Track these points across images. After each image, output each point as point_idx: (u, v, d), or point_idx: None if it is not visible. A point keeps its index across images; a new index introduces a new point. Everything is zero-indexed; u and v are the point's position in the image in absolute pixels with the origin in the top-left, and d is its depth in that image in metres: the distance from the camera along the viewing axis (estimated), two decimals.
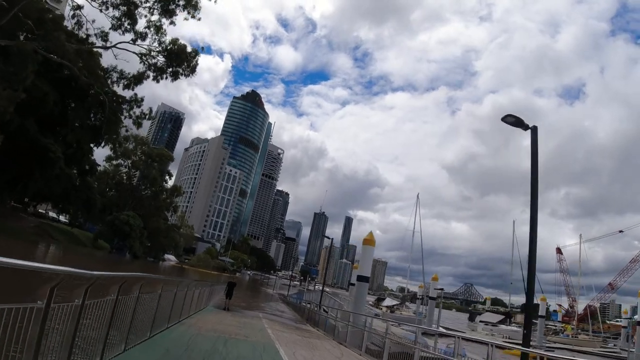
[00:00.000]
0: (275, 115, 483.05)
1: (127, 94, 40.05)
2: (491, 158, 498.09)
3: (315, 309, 26.21)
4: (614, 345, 55.68)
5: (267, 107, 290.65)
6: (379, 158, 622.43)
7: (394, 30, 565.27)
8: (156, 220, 78.22)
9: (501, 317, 58.29)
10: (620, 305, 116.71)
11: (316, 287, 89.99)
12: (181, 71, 37.13)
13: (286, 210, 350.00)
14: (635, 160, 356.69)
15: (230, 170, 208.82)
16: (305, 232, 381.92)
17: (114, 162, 77.42)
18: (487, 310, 77.44)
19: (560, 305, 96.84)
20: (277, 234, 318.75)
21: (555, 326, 71.64)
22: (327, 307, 27.91)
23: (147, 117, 40.80)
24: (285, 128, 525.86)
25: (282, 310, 34.45)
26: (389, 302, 57.14)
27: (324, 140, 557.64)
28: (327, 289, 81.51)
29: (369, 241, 18.92)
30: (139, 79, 37.29)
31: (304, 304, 32.87)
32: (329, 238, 28.99)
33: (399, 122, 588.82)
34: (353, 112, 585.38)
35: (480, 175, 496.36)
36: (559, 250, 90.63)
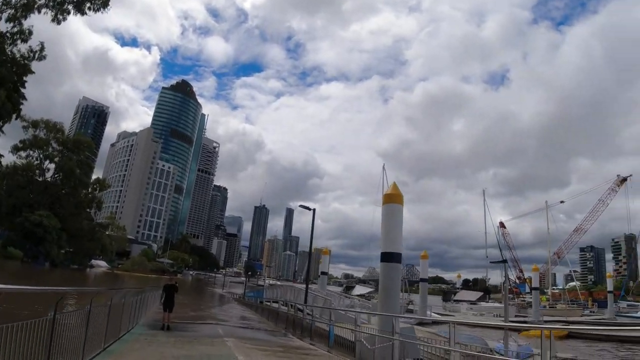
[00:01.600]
0: (208, 108, 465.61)
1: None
2: (424, 143, 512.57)
3: (299, 312, 18.44)
4: (591, 312, 54.16)
5: (200, 100, 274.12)
6: (316, 148, 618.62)
7: (327, 21, 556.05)
8: (77, 220, 66.50)
9: (479, 294, 54.71)
10: (555, 274, 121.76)
11: (266, 281, 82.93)
12: (89, 4, 27.50)
13: (225, 205, 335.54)
14: (557, 139, 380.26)
15: (163, 166, 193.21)
16: (247, 227, 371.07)
17: (22, 154, 65.19)
18: (461, 289, 74.29)
19: (508, 277, 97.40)
20: (217, 231, 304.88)
21: (526, 299, 69.43)
22: (310, 307, 19.78)
23: (36, 56, 31.03)
24: (220, 122, 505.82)
25: (245, 316, 26.29)
26: (360, 290, 50.85)
27: (260, 133, 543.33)
28: (278, 282, 74.48)
29: (394, 197, 11.80)
30: (29, 7, 27.30)
31: (277, 304, 24.84)
32: (309, 209, 22.25)
33: (334, 112, 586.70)
34: (288, 103, 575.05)
35: (414, 161, 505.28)
36: (502, 225, 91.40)
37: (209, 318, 21.40)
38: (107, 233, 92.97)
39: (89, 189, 73.52)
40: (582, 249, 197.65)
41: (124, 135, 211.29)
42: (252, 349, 11.46)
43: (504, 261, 20.75)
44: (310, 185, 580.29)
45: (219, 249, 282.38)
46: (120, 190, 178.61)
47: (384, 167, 52.45)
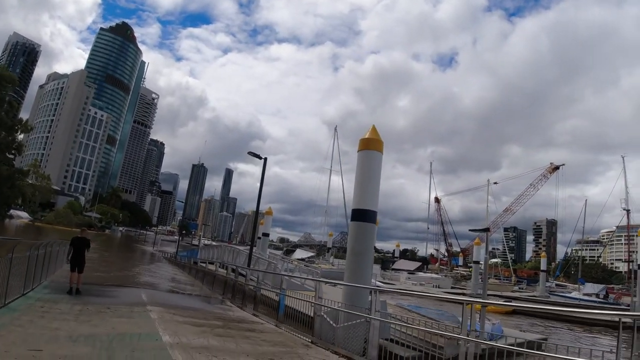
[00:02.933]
0: (150, 57, 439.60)
1: None
2: (369, 115, 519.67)
3: (240, 277, 15.99)
4: (520, 288, 56.33)
5: (142, 47, 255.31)
6: (261, 110, 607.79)
7: None
8: None
9: (418, 264, 55.38)
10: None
11: (202, 241, 79.91)
12: None
13: (162, 161, 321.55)
14: (494, 124, 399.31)
15: (96, 113, 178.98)
16: (183, 185, 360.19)
17: None
18: (399, 258, 75.28)
19: (437, 250, 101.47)
20: (151, 187, 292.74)
21: (460, 271, 71.60)
22: (257, 272, 17.13)
23: None
24: (162, 73, 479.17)
25: (176, 278, 23.43)
26: (301, 254, 49.27)
27: (204, 89, 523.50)
28: (213, 243, 71.55)
29: (373, 142, 9.57)
30: None
31: (213, 266, 22.17)
32: (259, 157, 19.75)
33: (283, 75, 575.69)
34: (236, 60, 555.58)
35: (358, 132, 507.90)
36: (437, 200, 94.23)
37: (133, 281, 18.44)
38: (29, 182, 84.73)
39: (10, 131, 65.33)
40: (505, 229, 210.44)
41: (54, 76, 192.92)
42: (182, 324, 8.98)
43: (487, 229, 19.67)
44: (252, 147, 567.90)
45: (152, 206, 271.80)
46: (47, 137, 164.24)
47: (335, 129, 50.55)
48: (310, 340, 8.65)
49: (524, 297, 40.94)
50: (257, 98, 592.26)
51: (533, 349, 5.81)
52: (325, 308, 8.84)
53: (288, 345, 8.06)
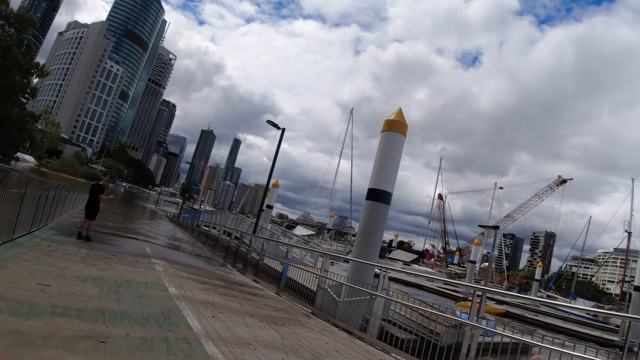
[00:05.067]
0: (172, 17, 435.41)
1: None
2: (384, 103, 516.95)
3: (243, 245, 16.05)
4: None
5: (165, 6, 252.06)
6: (276, 85, 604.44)
7: None
8: (5, 106, 58.88)
9: (414, 256, 55.49)
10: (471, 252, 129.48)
11: (202, 206, 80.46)
12: None
13: (171, 123, 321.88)
14: (506, 130, 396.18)
15: (112, 67, 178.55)
16: (190, 149, 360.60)
17: None
18: (396, 249, 75.49)
19: (433, 246, 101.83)
20: (158, 148, 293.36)
21: (454, 269, 71.90)
22: (261, 239, 17.20)
23: None
24: (183, 35, 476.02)
25: (179, 237, 23.53)
26: (302, 230, 49.37)
27: (223, 56, 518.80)
28: (214, 209, 71.86)
29: (398, 125, 9.45)
30: None
31: (216, 230, 22.28)
32: (277, 127, 19.43)
33: (302, 52, 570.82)
34: (257, 31, 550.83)
35: (370, 118, 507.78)
36: (440, 197, 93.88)
37: (137, 233, 18.55)
38: (38, 127, 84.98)
39: (25, 74, 65.14)
40: (504, 235, 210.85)
41: (74, 25, 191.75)
42: (186, 279, 9.01)
43: (496, 227, 19.70)
44: (263, 120, 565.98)
45: (157, 166, 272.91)
46: (61, 85, 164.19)
47: (351, 112, 50.10)
48: (310, 311, 8.72)
49: (514, 302, 41.11)
50: (274, 72, 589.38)
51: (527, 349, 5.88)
52: (330, 281, 8.88)
53: (289, 313, 8.12)
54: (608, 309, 60.04)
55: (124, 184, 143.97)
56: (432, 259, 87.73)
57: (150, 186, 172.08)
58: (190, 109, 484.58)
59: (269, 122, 20.18)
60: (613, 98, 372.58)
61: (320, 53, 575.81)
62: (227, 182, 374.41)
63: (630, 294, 33.50)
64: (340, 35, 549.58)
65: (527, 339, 5.38)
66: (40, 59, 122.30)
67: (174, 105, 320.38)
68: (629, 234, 58.17)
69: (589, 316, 34.99)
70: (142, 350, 4.02)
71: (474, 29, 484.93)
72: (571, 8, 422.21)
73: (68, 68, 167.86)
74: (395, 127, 9.76)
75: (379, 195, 9.57)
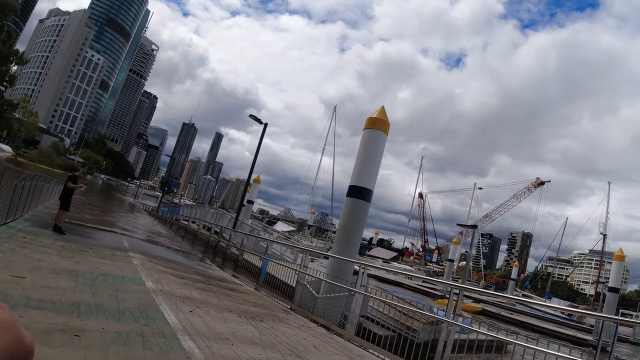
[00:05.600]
0: (156, 7, 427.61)
1: None
2: (369, 102, 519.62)
3: (223, 240, 15.92)
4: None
5: None
6: (261, 79, 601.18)
7: None
8: None
9: (394, 254, 55.91)
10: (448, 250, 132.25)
11: (182, 200, 79.70)
12: None
13: (152, 115, 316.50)
14: (488, 131, 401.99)
15: (92, 56, 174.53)
16: (171, 142, 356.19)
17: None
18: (376, 246, 75.92)
19: (413, 244, 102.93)
20: (138, 140, 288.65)
21: (433, 267, 72.68)
22: (241, 235, 17.04)
23: None
24: (166, 26, 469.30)
25: (157, 231, 23.21)
26: (282, 227, 49.25)
27: (207, 49, 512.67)
28: (193, 204, 71.22)
29: (380, 123, 9.52)
30: None
31: (195, 225, 22.10)
32: (260, 122, 19.28)
33: (289, 48, 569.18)
34: (243, 25, 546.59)
35: (355, 116, 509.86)
36: (420, 196, 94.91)
37: (114, 226, 18.24)
38: (16, 116, 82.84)
39: (4, 61, 63.44)
40: (482, 235, 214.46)
41: (56, 12, 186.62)
42: (164, 274, 8.95)
43: (474, 226, 20.04)
44: (246, 114, 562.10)
45: (137, 158, 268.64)
46: (40, 73, 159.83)
47: (335, 109, 50.11)
48: (289, 307, 8.74)
49: (490, 300, 41.85)
50: (259, 66, 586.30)
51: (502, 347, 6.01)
52: (310, 277, 8.91)
53: (268, 308, 8.12)
54: (582, 309, 61.62)
55: (102, 175, 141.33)
56: (411, 257, 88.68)
57: (129, 179, 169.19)
58: (172, 102, 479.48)
59: (251, 116, 20.07)
60: (595, 103, 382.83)
61: (306, 49, 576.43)
62: (208, 176, 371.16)
63: (604, 295, 34.35)
64: (327, 32, 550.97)
65: (502, 336, 5.44)
66: (20, 47, 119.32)
67: (155, 97, 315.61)
68: (604, 236, 59.74)
69: (564, 315, 35.72)
70: (117, 345, 3.99)
71: (459, 31, 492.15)
72: (555, 13, 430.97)
73: (48, 56, 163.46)
74: (378, 124, 9.81)
75: (359, 193, 9.62)
